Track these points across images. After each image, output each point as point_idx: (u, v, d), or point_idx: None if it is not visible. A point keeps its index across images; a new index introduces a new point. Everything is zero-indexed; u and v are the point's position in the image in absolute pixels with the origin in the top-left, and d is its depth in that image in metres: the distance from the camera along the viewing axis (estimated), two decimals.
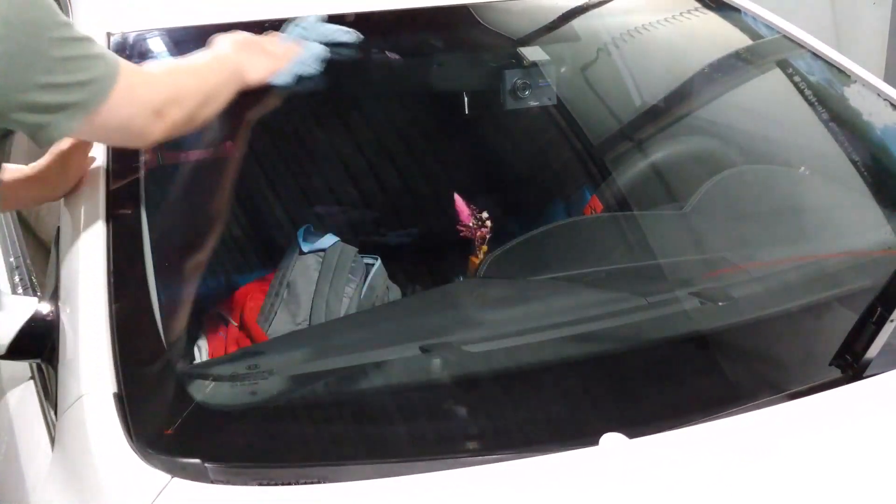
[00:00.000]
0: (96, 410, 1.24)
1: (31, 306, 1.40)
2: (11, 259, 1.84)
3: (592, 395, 1.44)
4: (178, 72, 1.45)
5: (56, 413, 1.32)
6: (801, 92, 2.02)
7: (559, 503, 1.19)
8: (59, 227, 1.51)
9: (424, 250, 2.10)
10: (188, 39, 1.69)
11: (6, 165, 1.45)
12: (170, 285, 1.49)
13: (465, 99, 2.18)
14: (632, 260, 1.83)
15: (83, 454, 1.23)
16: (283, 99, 1.62)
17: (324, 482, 1.20)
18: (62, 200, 1.53)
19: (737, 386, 1.45)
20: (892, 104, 1.92)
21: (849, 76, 1.99)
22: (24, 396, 1.49)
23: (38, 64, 1.22)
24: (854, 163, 1.92)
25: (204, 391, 1.35)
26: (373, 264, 1.89)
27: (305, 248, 1.88)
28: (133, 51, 1.69)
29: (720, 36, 2.18)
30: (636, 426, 1.28)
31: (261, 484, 1.19)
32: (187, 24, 1.78)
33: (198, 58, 1.50)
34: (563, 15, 2.13)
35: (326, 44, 1.63)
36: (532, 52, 2.13)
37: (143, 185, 1.52)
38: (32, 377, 1.50)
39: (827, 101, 2.01)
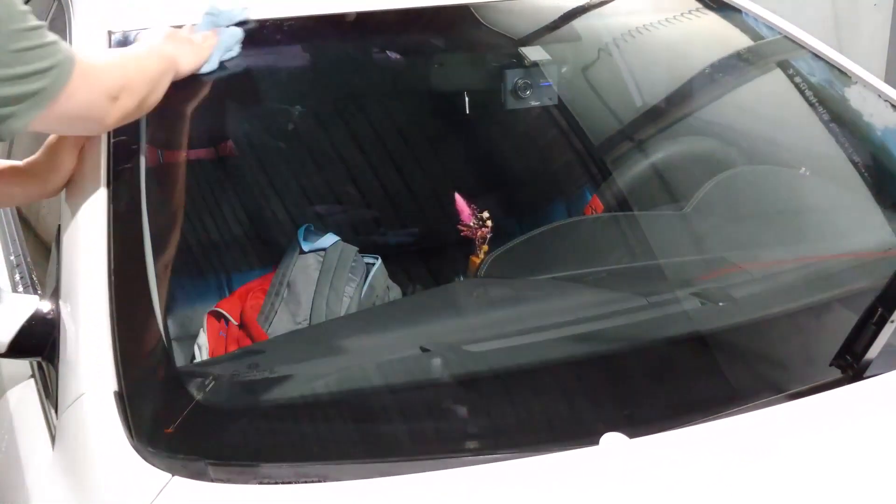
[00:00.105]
0: (97, 409, 1.24)
1: (31, 304, 1.39)
2: (12, 257, 1.84)
3: (593, 395, 1.44)
4: (125, 59, 1.48)
5: (56, 411, 1.32)
6: (802, 93, 2.02)
7: (559, 503, 1.19)
8: (59, 226, 1.51)
9: (425, 250, 2.10)
10: None
11: None
12: (170, 284, 1.49)
13: (467, 99, 2.18)
14: (632, 260, 1.83)
15: (84, 452, 1.23)
16: (283, 99, 1.63)
17: (324, 481, 1.20)
18: (63, 199, 1.53)
19: (737, 386, 1.45)
20: (892, 105, 1.92)
21: (849, 77, 1.99)
22: (25, 395, 1.49)
23: None
24: (854, 163, 1.92)
25: (204, 390, 1.34)
26: (373, 264, 1.89)
27: (306, 247, 1.88)
28: None
29: (721, 36, 2.18)
30: (636, 426, 1.28)
31: (261, 483, 1.19)
32: (188, 23, 1.78)
33: (137, 49, 1.54)
34: (565, 15, 2.13)
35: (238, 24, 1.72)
36: (533, 52, 2.13)
37: (143, 183, 1.52)
38: (33, 375, 1.50)
39: (827, 101, 2.01)
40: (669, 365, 1.50)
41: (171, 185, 1.69)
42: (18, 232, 1.92)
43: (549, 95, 2.19)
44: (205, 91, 1.67)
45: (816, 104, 2.00)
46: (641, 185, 2.06)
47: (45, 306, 1.40)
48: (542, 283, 1.72)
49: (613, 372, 1.47)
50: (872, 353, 1.34)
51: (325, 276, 1.82)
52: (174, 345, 1.50)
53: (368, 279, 1.86)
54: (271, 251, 1.98)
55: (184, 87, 1.59)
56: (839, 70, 2.00)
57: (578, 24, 2.15)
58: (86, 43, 1.72)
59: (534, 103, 2.17)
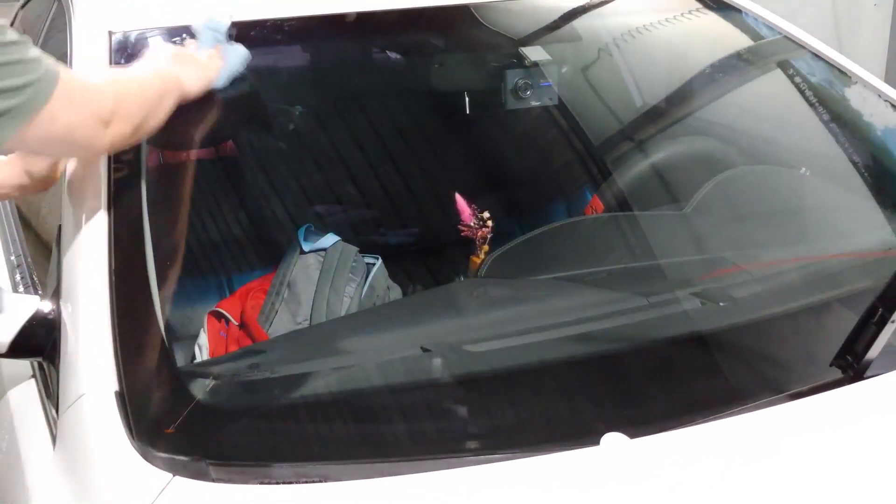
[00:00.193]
0: (97, 409, 1.24)
1: (32, 305, 1.40)
2: (13, 257, 1.84)
3: (593, 395, 1.44)
4: (122, 82, 1.41)
5: (57, 411, 1.32)
6: (802, 93, 2.02)
7: (560, 503, 1.19)
8: (60, 226, 1.52)
9: (425, 250, 2.10)
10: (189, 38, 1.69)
11: None
12: (171, 284, 1.49)
13: (467, 99, 2.18)
14: (633, 260, 1.83)
15: (84, 452, 1.23)
16: (284, 99, 1.63)
17: (325, 481, 1.20)
18: (64, 199, 1.53)
19: (737, 386, 1.45)
20: (892, 105, 1.92)
21: (849, 77, 1.99)
22: (26, 395, 1.49)
23: None
24: (854, 163, 1.92)
25: (205, 390, 1.35)
26: (374, 264, 1.89)
27: (306, 247, 1.88)
28: (135, 50, 1.69)
29: (721, 36, 2.18)
30: (637, 426, 1.28)
31: (262, 482, 1.19)
32: (188, 24, 1.78)
33: (139, 69, 1.48)
34: (565, 15, 2.13)
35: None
36: (533, 52, 2.13)
37: (144, 183, 1.52)
38: (34, 375, 1.50)
39: (827, 101, 2.01)
40: (670, 365, 1.50)
41: (171, 185, 1.69)
42: (19, 232, 1.92)
43: (550, 95, 2.19)
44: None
45: (816, 104, 2.00)
46: (641, 185, 2.06)
47: (46, 306, 1.40)
48: (542, 283, 1.72)
49: (614, 372, 1.47)
50: (873, 353, 1.34)
51: (326, 277, 1.82)
52: (174, 345, 1.50)
53: (369, 279, 1.86)
54: (271, 251, 1.98)
55: None
56: (839, 70, 2.00)
57: (578, 24, 2.15)
58: (86, 43, 1.72)
59: (534, 103, 2.17)
